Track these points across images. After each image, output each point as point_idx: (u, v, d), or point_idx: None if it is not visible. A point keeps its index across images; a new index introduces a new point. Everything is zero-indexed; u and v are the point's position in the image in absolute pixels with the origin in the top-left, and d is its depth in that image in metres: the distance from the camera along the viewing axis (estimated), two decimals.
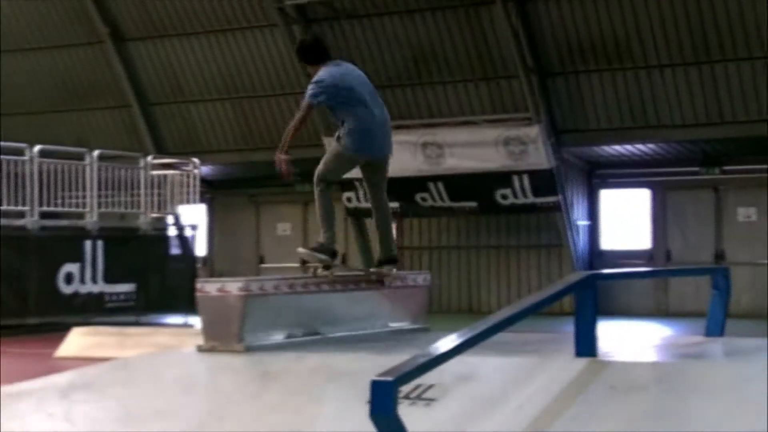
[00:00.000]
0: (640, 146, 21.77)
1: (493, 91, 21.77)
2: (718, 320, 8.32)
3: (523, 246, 22.92)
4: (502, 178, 21.28)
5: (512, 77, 21.29)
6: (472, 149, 21.33)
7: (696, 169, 21.70)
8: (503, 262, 23.09)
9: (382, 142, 9.02)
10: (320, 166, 8.71)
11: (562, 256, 22.15)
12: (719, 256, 21.40)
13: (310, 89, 8.50)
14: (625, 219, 22.82)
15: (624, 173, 22.71)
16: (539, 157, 20.87)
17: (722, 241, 21.58)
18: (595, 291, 6.83)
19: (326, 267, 8.56)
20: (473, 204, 21.95)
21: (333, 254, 8.57)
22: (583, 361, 6.52)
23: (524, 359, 6.87)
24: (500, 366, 6.74)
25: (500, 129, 21.21)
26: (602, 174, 22.88)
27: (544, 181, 21.05)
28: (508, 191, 21.40)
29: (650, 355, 7.56)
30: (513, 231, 23.00)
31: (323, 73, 8.60)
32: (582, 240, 22.32)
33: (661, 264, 21.82)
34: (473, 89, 21.94)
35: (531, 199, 21.33)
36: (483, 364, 6.68)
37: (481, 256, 23.35)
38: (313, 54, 8.80)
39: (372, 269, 9.02)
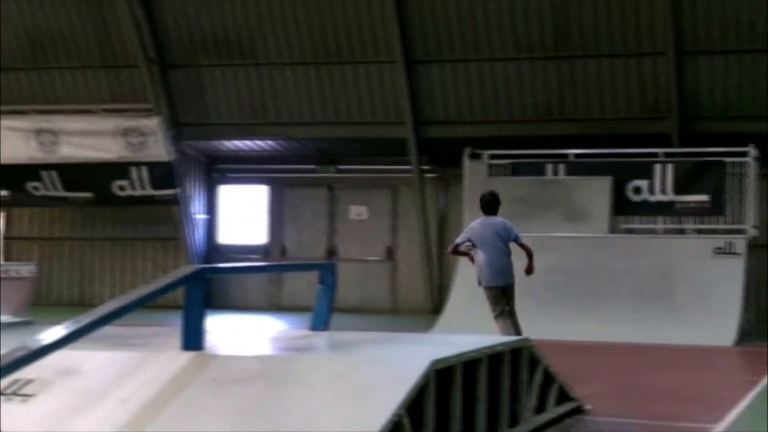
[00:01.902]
0: (260, 142, 22.10)
1: (113, 80, 21.35)
2: (323, 314, 8.59)
3: (140, 238, 22.64)
4: (120, 169, 20.93)
5: (133, 67, 20.99)
6: (89, 138, 20.83)
7: (312, 167, 22.31)
8: (119, 254, 22.69)
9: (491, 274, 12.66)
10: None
11: (179, 249, 22.08)
12: (331, 252, 22.10)
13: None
14: (242, 214, 23.06)
15: (243, 168, 22.96)
16: (159, 149, 20.69)
17: (335, 238, 22.30)
18: (204, 284, 6.85)
19: None
20: (89, 195, 21.41)
21: None
22: (189, 355, 6.51)
23: (131, 353, 6.76)
24: (106, 360, 6.60)
25: (119, 119, 20.86)
26: (222, 168, 23.03)
27: (163, 174, 20.90)
28: (126, 183, 21.07)
29: (256, 349, 7.68)
30: (130, 223, 22.65)
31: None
32: (199, 234, 22.36)
33: (276, 259, 22.25)
34: (92, 77, 21.41)
35: (149, 191, 21.11)
36: (88, 358, 6.52)
37: (96, 248, 22.82)
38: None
39: None
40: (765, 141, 17.90)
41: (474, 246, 12.74)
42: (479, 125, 20.23)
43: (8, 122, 21.16)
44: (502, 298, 12.55)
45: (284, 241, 22.59)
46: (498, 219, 12.86)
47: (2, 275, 8.50)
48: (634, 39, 19.06)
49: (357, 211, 22.21)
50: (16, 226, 23.08)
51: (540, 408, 8.10)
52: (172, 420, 5.88)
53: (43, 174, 21.19)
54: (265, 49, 20.51)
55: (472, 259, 12.96)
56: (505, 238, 12.64)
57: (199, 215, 22.41)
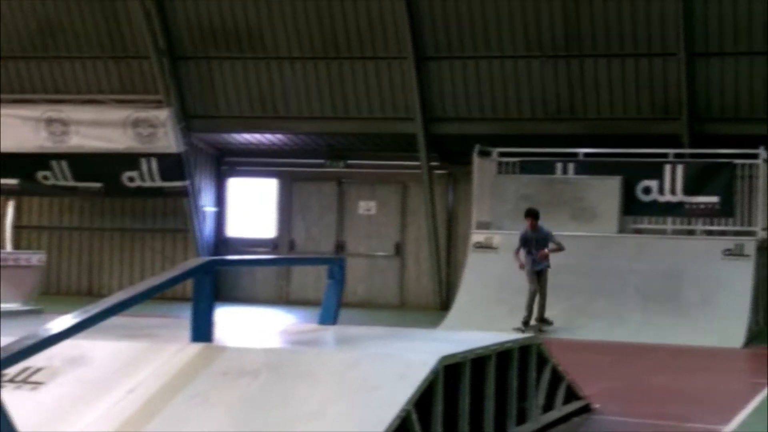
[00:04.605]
0: (269, 136, 22.10)
1: (123, 70, 21.36)
2: (331, 309, 8.59)
3: (149, 229, 22.66)
4: (130, 160, 20.93)
5: (143, 58, 21.00)
6: (99, 129, 20.84)
7: (321, 161, 22.30)
8: (127, 245, 22.72)
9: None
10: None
11: (188, 241, 22.10)
12: (340, 247, 22.10)
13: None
14: (251, 207, 23.05)
15: (252, 162, 22.94)
16: (168, 141, 20.70)
17: (343, 232, 22.29)
18: (213, 277, 6.84)
19: None
20: (98, 185, 21.41)
21: None
22: (197, 347, 6.52)
23: (139, 344, 6.76)
24: (114, 350, 6.61)
25: (129, 110, 20.86)
26: (231, 161, 23.02)
27: (172, 166, 20.90)
28: (135, 174, 21.07)
29: (264, 342, 7.67)
30: (139, 214, 22.67)
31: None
32: (208, 226, 22.37)
33: (284, 253, 22.26)
34: (102, 67, 21.43)
35: (159, 183, 21.11)
36: (97, 347, 6.53)
37: (104, 239, 22.85)
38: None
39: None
40: None
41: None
42: (489, 122, 20.22)
43: (18, 111, 21.18)
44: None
45: (293, 235, 22.59)
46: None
47: (11, 263, 8.51)
48: (645, 39, 19.01)
49: (366, 207, 22.20)
50: (25, 215, 23.11)
51: (548, 406, 8.09)
52: (179, 411, 5.89)
53: (53, 163, 21.20)
54: (275, 43, 20.51)
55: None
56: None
57: (208, 208, 22.42)
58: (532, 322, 15.86)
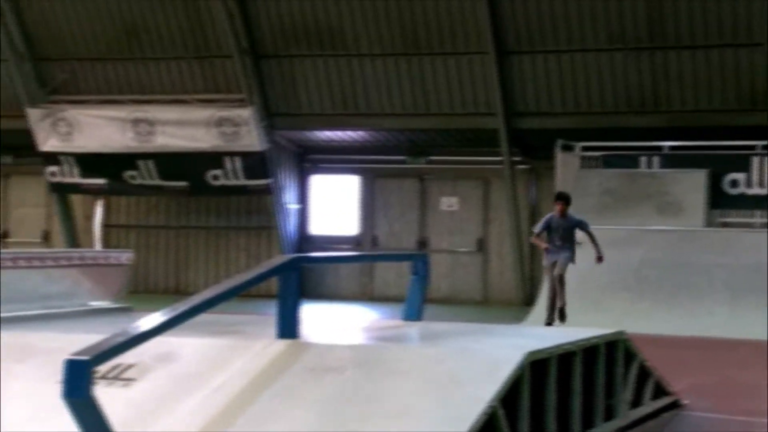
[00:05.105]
0: (351, 133, 22.19)
1: (207, 70, 21.60)
2: (415, 305, 8.59)
3: (233, 227, 22.90)
4: (214, 158, 21.16)
5: (226, 57, 21.20)
6: (183, 128, 21.10)
7: (403, 157, 22.33)
8: (212, 243, 22.99)
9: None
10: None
11: (272, 238, 22.29)
12: (422, 243, 22.11)
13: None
14: (334, 204, 23.17)
15: (335, 159, 23.06)
16: (251, 139, 20.88)
17: (426, 228, 22.30)
18: (299, 274, 6.88)
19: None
20: (184, 184, 21.69)
21: None
22: (284, 343, 6.56)
23: (226, 340, 6.83)
24: (202, 347, 6.68)
25: (213, 109, 21.09)
26: (313, 159, 23.16)
27: (255, 164, 21.09)
28: (219, 172, 21.30)
29: (350, 338, 7.71)
30: (223, 212, 22.92)
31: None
32: (292, 223, 22.53)
33: (367, 249, 22.32)
34: (186, 67, 21.69)
35: (242, 181, 21.31)
36: (185, 344, 6.61)
37: (190, 237, 23.15)
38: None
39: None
40: None
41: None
42: (571, 116, 20.06)
43: (105, 112, 21.54)
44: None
45: (375, 231, 22.66)
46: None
47: (101, 262, 8.66)
48: (730, 29, 18.70)
49: (448, 203, 22.18)
50: (113, 214, 23.51)
51: (636, 402, 8.01)
52: (266, 407, 5.94)
53: (140, 163, 21.52)
54: (356, 40, 20.57)
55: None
56: None
57: (291, 205, 22.58)
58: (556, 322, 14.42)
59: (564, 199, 14.77)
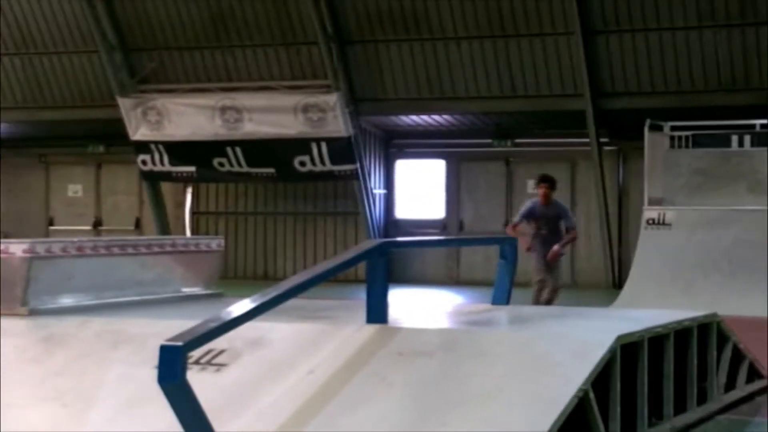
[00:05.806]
0: (436, 117, 22.15)
1: (293, 57, 21.71)
2: (504, 289, 8.57)
3: (320, 213, 23.03)
4: (301, 144, 21.27)
5: (312, 44, 21.29)
6: (271, 115, 21.23)
7: (488, 141, 22.23)
8: (300, 229, 23.14)
9: None
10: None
11: (359, 223, 22.37)
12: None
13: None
14: (420, 189, 23.17)
15: (420, 143, 23.05)
16: (337, 125, 20.95)
17: (512, 211, 22.11)
18: (387, 258, 6.91)
19: None
20: (271, 170, 21.86)
21: None
22: (373, 328, 6.60)
23: (316, 325, 6.89)
24: (292, 332, 6.75)
25: (299, 95, 21.20)
26: (399, 143, 23.17)
27: (342, 149, 21.16)
28: (306, 158, 21.41)
29: (438, 322, 7.72)
30: (310, 198, 23.06)
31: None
32: (378, 208, 22.58)
33: (453, 233, 22.29)
34: (273, 54, 21.83)
35: (329, 166, 21.40)
36: (275, 330, 6.68)
37: (278, 223, 23.34)
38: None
39: None
40: None
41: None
42: (660, 96, 19.78)
43: (194, 100, 21.79)
44: None
45: (461, 215, 22.62)
46: None
47: (192, 248, 8.78)
48: None
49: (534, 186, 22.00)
50: (203, 201, 23.82)
51: (729, 385, 7.90)
52: (357, 391, 5.98)
53: (228, 150, 21.72)
54: (440, 23, 20.51)
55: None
56: None
57: (378, 190, 22.63)
58: None
59: (548, 181, 12.70)
